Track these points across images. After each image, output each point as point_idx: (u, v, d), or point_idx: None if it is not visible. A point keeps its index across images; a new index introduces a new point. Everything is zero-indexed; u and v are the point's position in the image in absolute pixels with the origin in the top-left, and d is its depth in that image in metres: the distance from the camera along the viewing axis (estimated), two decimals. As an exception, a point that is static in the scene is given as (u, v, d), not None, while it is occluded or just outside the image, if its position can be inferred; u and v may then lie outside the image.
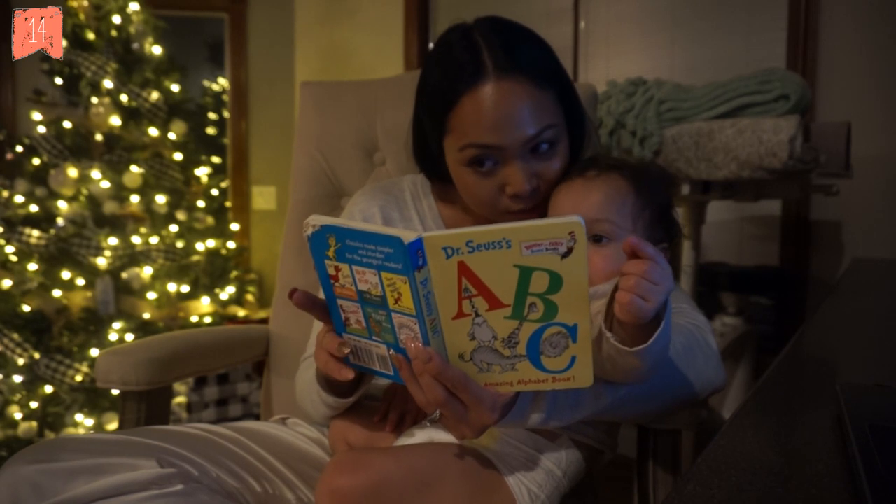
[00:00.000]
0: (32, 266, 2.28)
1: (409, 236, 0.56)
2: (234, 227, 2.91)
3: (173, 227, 2.49)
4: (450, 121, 0.79)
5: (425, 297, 0.59)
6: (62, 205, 2.31)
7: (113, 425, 2.22)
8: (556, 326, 0.59)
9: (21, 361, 2.22)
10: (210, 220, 2.65)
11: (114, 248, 2.30)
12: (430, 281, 0.59)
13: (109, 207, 2.34)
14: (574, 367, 0.60)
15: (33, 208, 2.32)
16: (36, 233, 2.28)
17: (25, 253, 2.29)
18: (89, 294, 2.30)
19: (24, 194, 2.34)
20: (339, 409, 0.83)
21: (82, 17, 2.42)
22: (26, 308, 2.25)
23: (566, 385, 0.62)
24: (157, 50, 2.55)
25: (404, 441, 0.78)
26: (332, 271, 0.63)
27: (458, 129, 0.78)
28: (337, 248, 0.61)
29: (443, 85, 0.78)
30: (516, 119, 0.75)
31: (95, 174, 2.32)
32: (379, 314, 0.63)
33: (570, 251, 0.54)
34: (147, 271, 2.37)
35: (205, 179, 2.69)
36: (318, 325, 0.89)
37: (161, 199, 2.44)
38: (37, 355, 2.21)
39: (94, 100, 2.38)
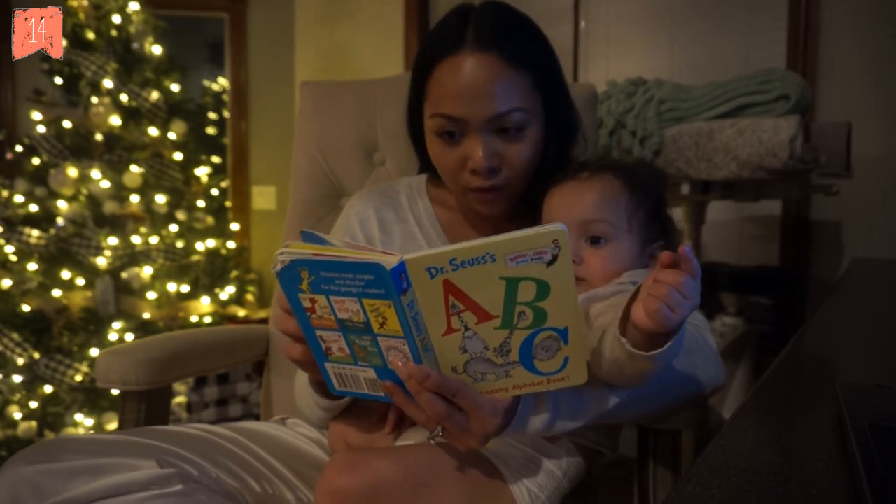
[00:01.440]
0: (32, 266, 2.28)
1: (390, 262, 0.55)
2: (234, 227, 2.90)
3: (173, 227, 2.48)
4: (428, 87, 0.82)
5: (413, 318, 0.58)
6: (62, 204, 2.31)
7: (113, 425, 2.22)
8: (547, 331, 0.58)
9: (21, 361, 2.22)
10: (210, 220, 2.65)
11: (114, 248, 2.30)
12: (416, 302, 0.57)
13: (109, 207, 2.34)
14: (568, 367, 0.60)
15: (33, 208, 2.32)
16: (36, 233, 2.28)
17: (25, 253, 2.29)
18: (89, 294, 2.30)
19: (24, 194, 2.34)
20: (333, 411, 0.83)
21: (82, 16, 2.42)
22: (26, 308, 2.24)
23: (561, 385, 0.62)
24: (157, 50, 2.55)
25: (404, 441, 0.78)
26: (307, 304, 0.61)
27: (432, 96, 0.81)
28: (311, 281, 0.58)
29: (426, 51, 0.82)
30: (484, 94, 0.77)
31: (95, 174, 2.32)
32: (363, 340, 0.61)
33: (554, 259, 0.54)
34: (147, 271, 2.37)
35: (205, 179, 2.68)
36: None
37: (161, 198, 2.44)
38: (37, 355, 2.21)
39: (94, 100, 2.38)
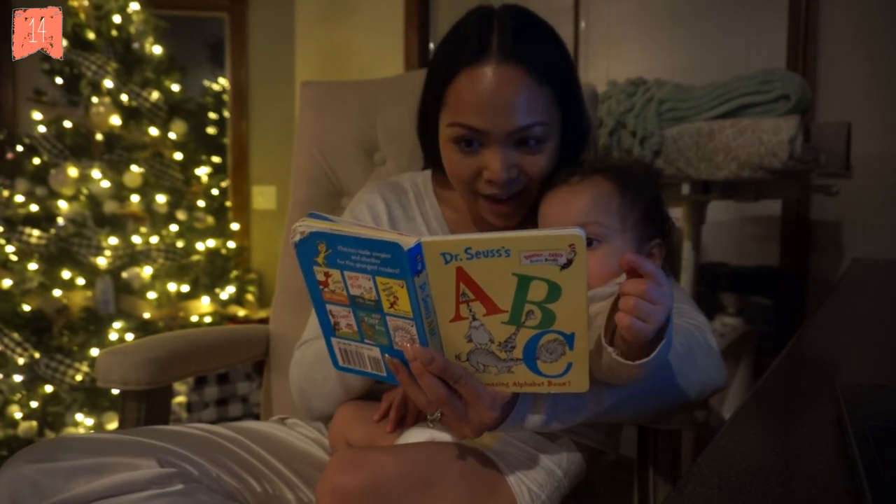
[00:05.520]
0: (32, 266, 2.28)
1: (407, 242, 0.56)
2: (234, 226, 2.90)
3: (173, 227, 2.48)
4: (446, 94, 0.79)
5: (424, 300, 0.58)
6: (62, 204, 2.31)
7: (113, 425, 2.22)
8: (554, 334, 0.58)
9: (21, 361, 2.21)
10: (210, 219, 2.65)
11: (114, 248, 2.30)
12: (428, 285, 0.58)
13: (109, 207, 2.34)
14: (570, 373, 0.61)
15: (33, 208, 2.32)
16: (36, 232, 2.28)
17: (25, 253, 2.29)
18: (89, 294, 2.30)
19: (24, 194, 2.34)
20: (353, 385, 0.83)
21: (82, 16, 2.42)
22: (26, 308, 2.24)
23: (561, 389, 0.62)
24: (157, 50, 2.55)
25: (405, 440, 0.78)
26: (321, 277, 0.62)
27: (451, 105, 0.79)
28: (327, 255, 0.60)
29: (447, 58, 0.79)
30: (507, 106, 0.75)
31: (95, 174, 2.32)
32: (372, 318, 0.62)
33: (569, 262, 0.54)
34: (147, 271, 2.37)
35: (205, 179, 2.68)
36: (315, 315, 0.89)
37: (161, 198, 2.44)
38: (37, 355, 2.21)
39: (95, 99, 2.38)
